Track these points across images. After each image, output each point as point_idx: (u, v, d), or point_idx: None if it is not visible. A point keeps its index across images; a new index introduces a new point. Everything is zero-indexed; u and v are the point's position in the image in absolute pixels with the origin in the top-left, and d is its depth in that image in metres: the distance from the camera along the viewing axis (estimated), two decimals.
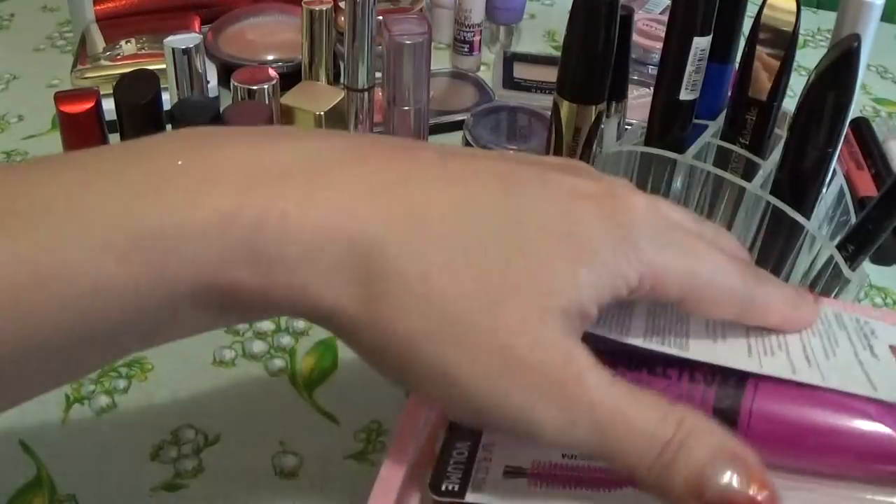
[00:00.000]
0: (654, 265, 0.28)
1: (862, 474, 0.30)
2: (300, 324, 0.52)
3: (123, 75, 0.52)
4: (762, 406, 0.29)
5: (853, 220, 0.50)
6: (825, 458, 0.30)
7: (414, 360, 0.26)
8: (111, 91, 0.50)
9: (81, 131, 0.51)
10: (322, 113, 0.51)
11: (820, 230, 0.50)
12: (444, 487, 0.29)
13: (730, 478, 0.24)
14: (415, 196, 0.26)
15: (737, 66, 0.51)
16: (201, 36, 0.57)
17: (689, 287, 0.29)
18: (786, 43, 0.47)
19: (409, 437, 0.30)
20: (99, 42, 0.72)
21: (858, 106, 0.78)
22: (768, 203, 0.47)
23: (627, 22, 0.55)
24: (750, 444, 0.27)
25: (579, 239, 0.27)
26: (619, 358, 0.31)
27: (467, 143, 0.65)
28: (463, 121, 0.68)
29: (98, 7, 0.76)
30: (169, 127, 0.52)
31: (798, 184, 0.47)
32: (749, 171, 0.50)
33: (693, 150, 0.51)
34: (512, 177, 0.28)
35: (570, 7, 0.51)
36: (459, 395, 0.26)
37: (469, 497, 0.28)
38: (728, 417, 0.29)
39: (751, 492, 0.24)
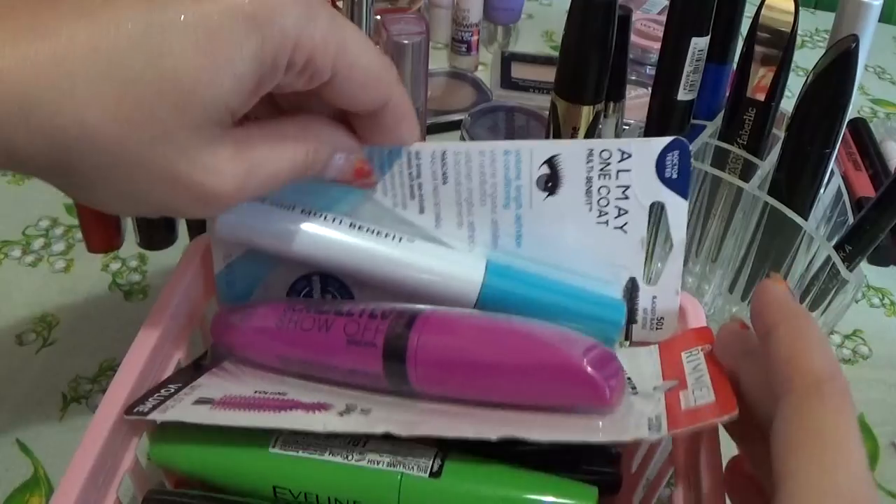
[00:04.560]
0: (301, 38, 0.29)
1: (545, 401, 0.32)
2: None
3: None
4: (426, 339, 0.32)
5: (851, 220, 0.50)
6: (498, 389, 0.32)
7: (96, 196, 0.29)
8: None
9: None
10: None
11: (817, 231, 0.50)
12: (136, 410, 0.32)
13: (339, 160, 0.33)
14: (61, 39, 0.26)
15: (735, 66, 0.51)
16: None
17: (340, 63, 0.30)
18: (784, 43, 0.47)
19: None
20: None
21: (856, 106, 0.79)
22: (766, 203, 0.47)
23: (625, 22, 0.55)
24: (420, 372, 0.32)
25: (216, 32, 0.27)
26: (310, 304, 0.35)
27: None
28: (461, 120, 0.68)
29: None
30: None
31: (796, 184, 0.47)
32: (747, 172, 0.50)
33: (691, 150, 0.51)
34: None
35: (567, 7, 0.51)
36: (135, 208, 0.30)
37: (151, 416, 0.32)
38: (398, 348, 0.32)
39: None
